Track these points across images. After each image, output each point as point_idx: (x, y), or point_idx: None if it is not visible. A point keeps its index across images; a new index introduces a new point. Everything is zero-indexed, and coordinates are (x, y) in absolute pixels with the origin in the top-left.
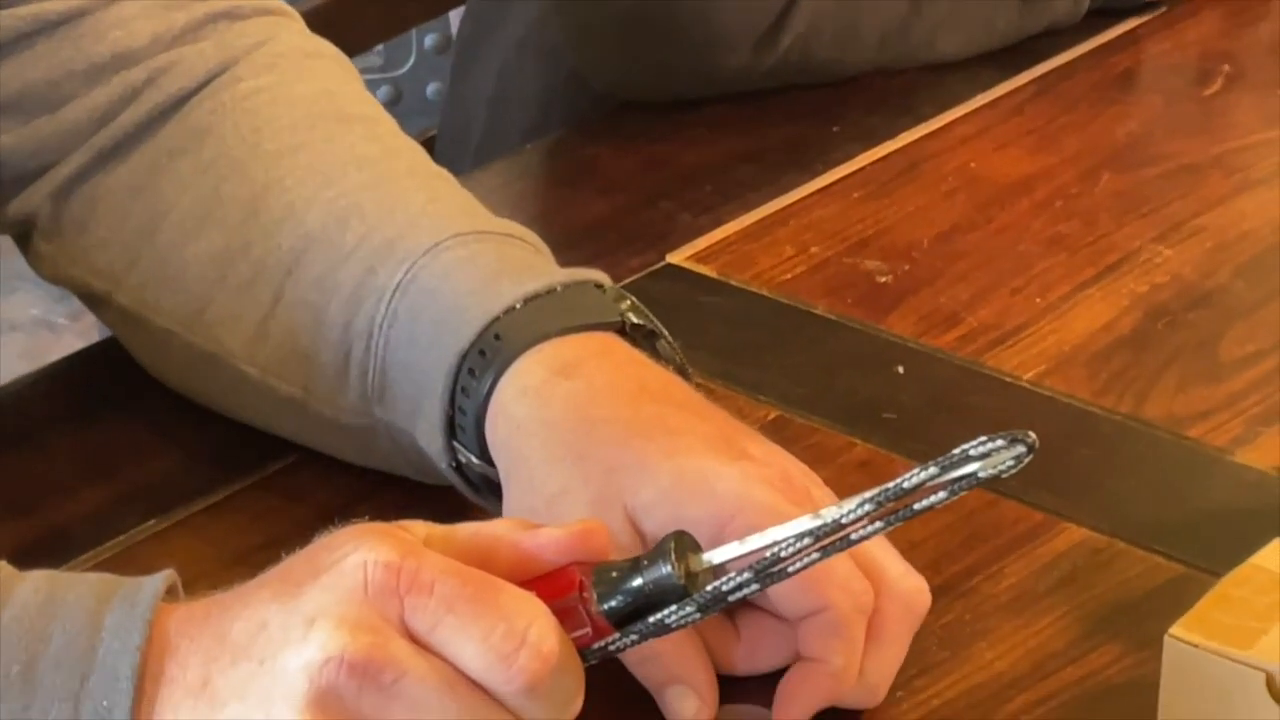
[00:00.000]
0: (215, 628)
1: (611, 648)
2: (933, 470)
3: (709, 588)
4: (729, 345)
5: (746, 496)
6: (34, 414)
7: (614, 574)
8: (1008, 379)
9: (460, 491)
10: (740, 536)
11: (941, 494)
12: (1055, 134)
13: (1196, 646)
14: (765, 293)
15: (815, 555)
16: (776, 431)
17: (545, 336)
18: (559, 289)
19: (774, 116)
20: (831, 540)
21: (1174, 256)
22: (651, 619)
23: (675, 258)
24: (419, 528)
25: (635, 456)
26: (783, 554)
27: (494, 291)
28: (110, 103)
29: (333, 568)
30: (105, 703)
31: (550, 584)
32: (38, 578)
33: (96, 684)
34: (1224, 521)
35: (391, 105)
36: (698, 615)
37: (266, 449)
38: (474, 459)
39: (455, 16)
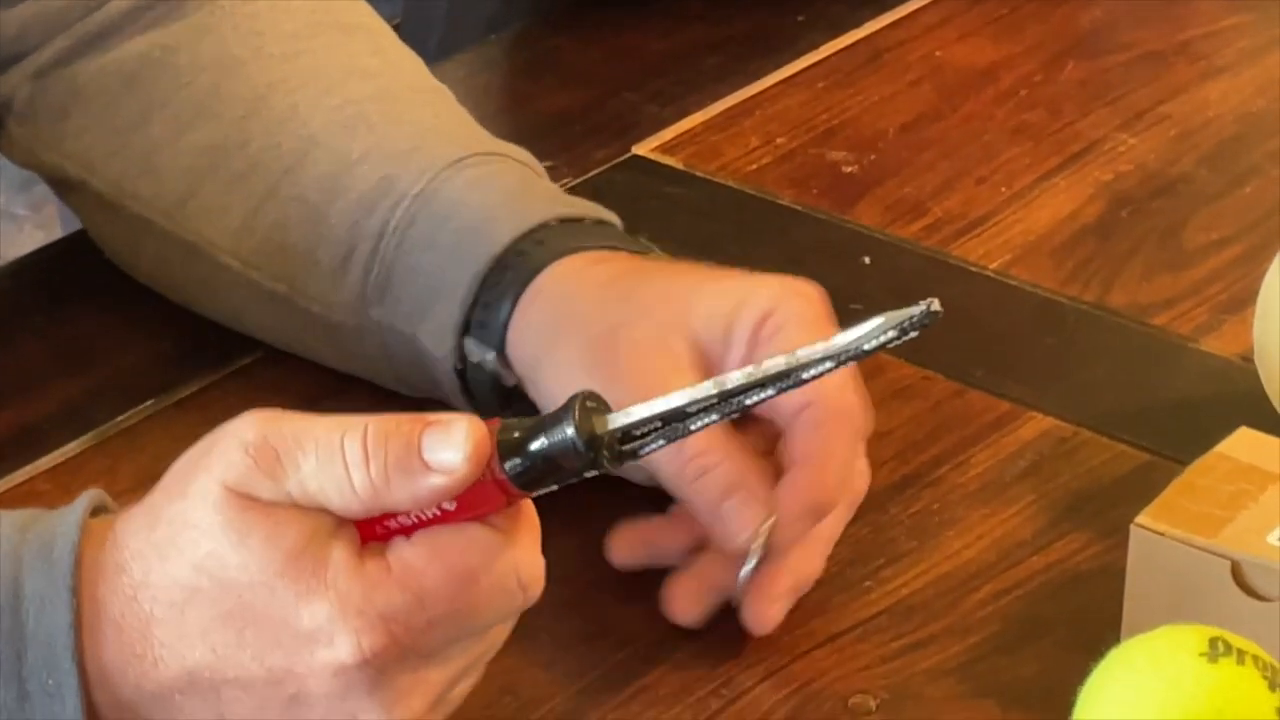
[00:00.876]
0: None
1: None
2: (830, 365)
3: (611, 450)
4: (695, 236)
5: (790, 290)
6: (2, 308)
7: (516, 434)
8: (973, 268)
9: (448, 399)
10: (785, 329)
11: (829, 364)
12: (1019, 22)
13: (1162, 535)
14: (731, 184)
15: (714, 416)
16: None
17: (581, 247)
18: (588, 221)
19: (738, 6)
20: (730, 402)
21: (1138, 145)
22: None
23: (641, 149)
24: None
25: (684, 284)
26: (689, 411)
27: (524, 208)
28: None
29: (328, 666)
30: (51, 681)
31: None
32: None
33: (35, 661)
34: (1189, 409)
35: None
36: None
37: (239, 342)
38: (487, 357)
39: None
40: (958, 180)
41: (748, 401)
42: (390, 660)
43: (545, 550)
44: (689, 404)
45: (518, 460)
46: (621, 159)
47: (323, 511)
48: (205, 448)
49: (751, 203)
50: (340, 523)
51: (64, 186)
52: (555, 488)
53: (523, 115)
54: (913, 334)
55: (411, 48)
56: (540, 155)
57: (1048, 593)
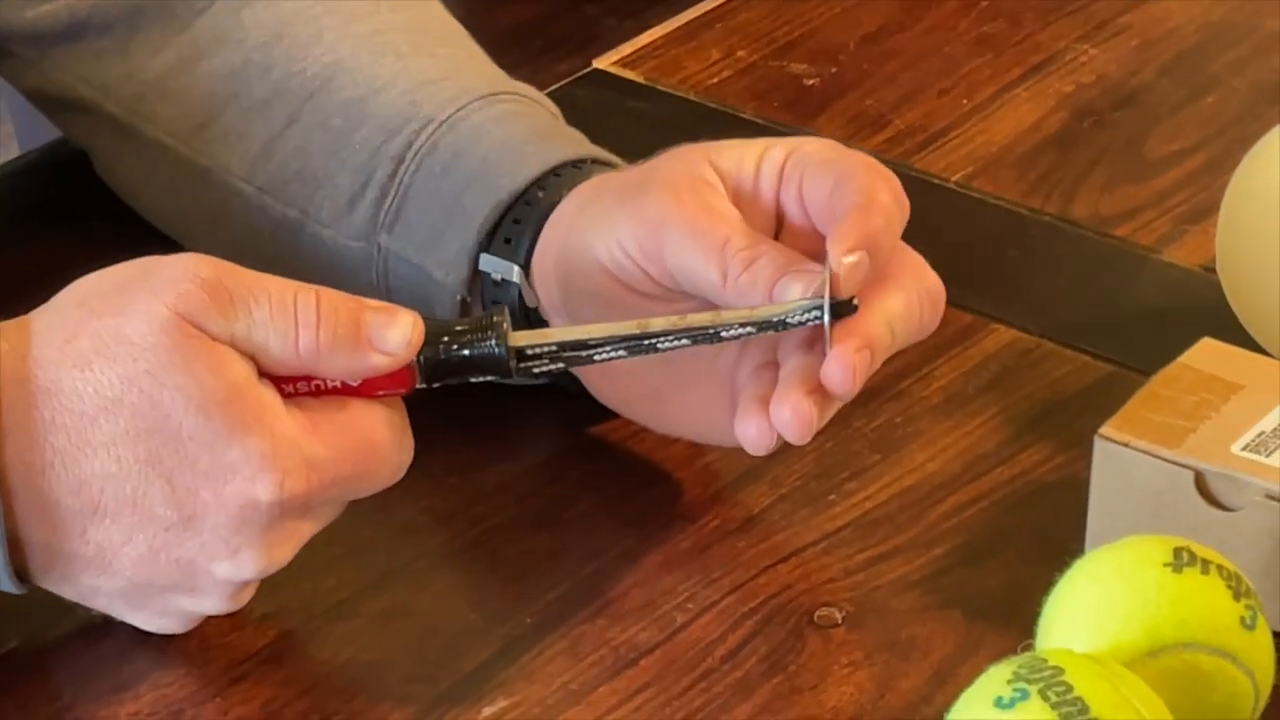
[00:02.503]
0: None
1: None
2: (750, 330)
3: (522, 364)
4: (656, 150)
5: (806, 138)
6: None
7: (446, 338)
8: (936, 181)
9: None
10: (806, 165)
11: (750, 329)
12: None
13: (1126, 445)
14: (693, 97)
15: (621, 352)
16: None
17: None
18: (618, 164)
19: None
20: (642, 343)
21: (1099, 55)
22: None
23: (602, 63)
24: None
25: (704, 144)
26: (590, 343)
27: (552, 146)
28: None
29: (237, 498)
30: None
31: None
32: None
33: None
34: (1152, 320)
35: None
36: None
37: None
38: (512, 274)
39: None
40: (919, 92)
41: (661, 345)
42: (295, 507)
43: (509, 466)
44: (609, 336)
45: (438, 354)
46: (582, 73)
47: (253, 360)
48: (142, 272)
49: (713, 116)
50: (262, 375)
51: (73, 110)
52: (438, 385)
53: (482, 28)
54: (832, 318)
55: None
56: (501, 70)
57: (1012, 504)
